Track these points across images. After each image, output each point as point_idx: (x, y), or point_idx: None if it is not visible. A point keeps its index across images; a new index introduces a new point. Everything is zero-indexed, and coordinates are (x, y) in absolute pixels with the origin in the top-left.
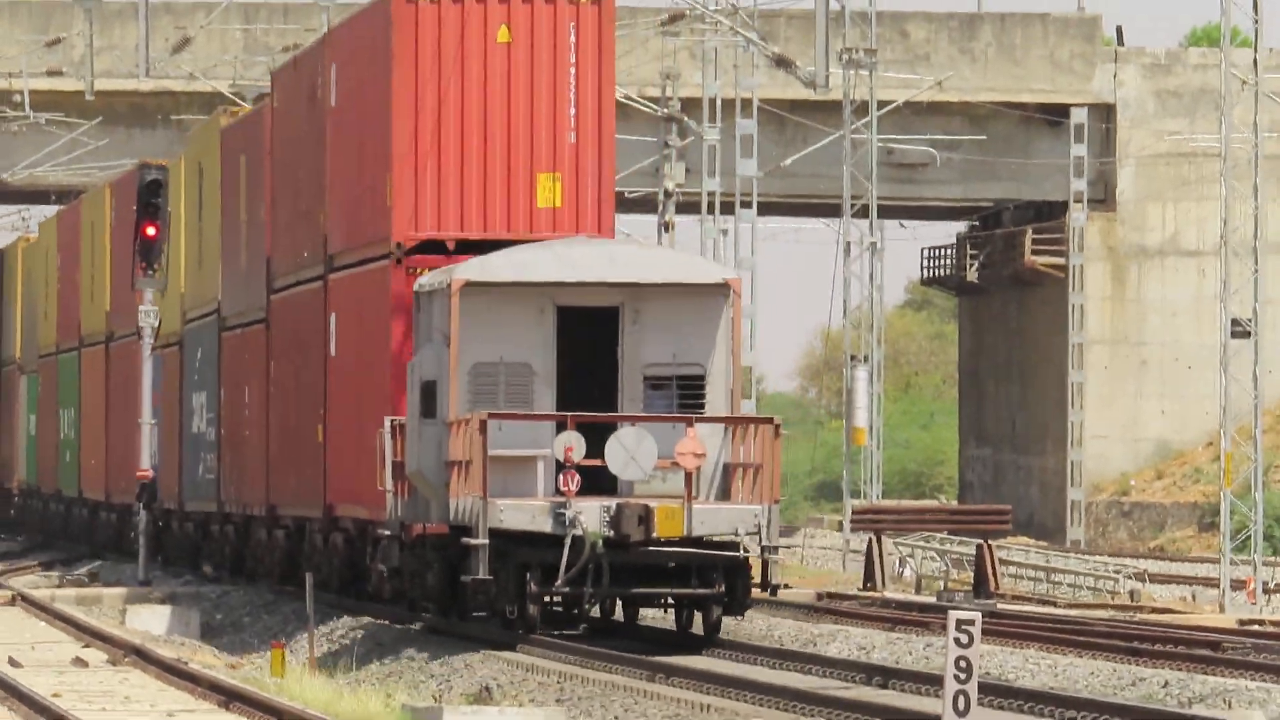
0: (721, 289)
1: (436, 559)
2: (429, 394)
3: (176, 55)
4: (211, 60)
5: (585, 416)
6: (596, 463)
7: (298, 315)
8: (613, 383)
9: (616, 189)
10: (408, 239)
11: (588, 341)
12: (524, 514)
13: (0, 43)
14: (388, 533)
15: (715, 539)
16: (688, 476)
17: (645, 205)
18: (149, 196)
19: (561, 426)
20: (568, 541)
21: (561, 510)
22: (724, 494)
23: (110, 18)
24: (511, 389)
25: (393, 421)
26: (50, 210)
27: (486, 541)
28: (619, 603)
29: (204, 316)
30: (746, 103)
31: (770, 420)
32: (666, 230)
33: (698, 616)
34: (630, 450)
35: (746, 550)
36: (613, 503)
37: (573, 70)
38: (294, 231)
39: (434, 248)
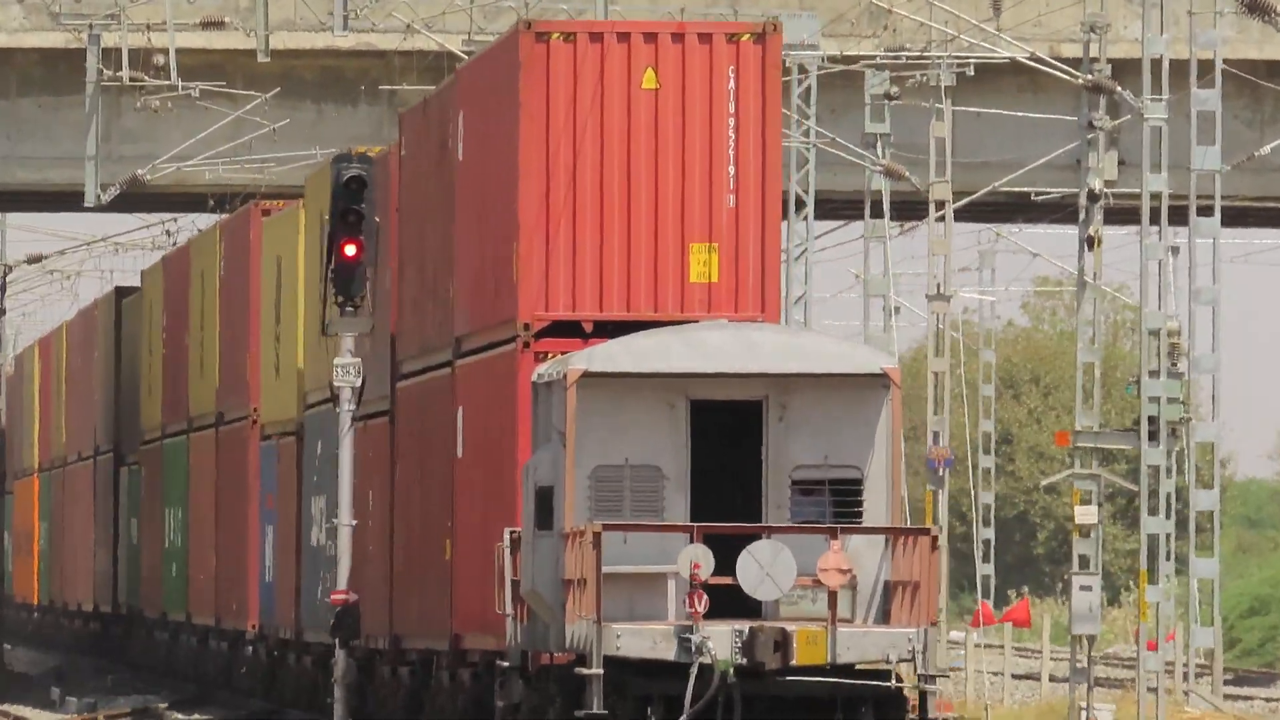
0: (880, 380)
1: (559, 692)
2: (544, 502)
3: (386, 1)
4: (437, 7)
5: (713, 527)
6: (728, 580)
7: (424, 408)
8: (755, 488)
9: (1022, 189)
10: (536, 320)
11: (727, 441)
12: (644, 640)
13: None
14: (507, 664)
15: (865, 668)
16: (831, 596)
17: (1060, 211)
18: (348, 201)
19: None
20: (693, 671)
21: (687, 635)
22: (884, 616)
23: None
24: (638, 496)
25: (512, 534)
26: (205, 220)
27: (600, 671)
28: None
29: (325, 403)
30: (1206, 65)
31: (927, 531)
32: (1090, 247)
33: None
34: (765, 565)
35: (900, 680)
36: (746, 626)
37: (732, 121)
38: (421, 307)
39: (568, 330)
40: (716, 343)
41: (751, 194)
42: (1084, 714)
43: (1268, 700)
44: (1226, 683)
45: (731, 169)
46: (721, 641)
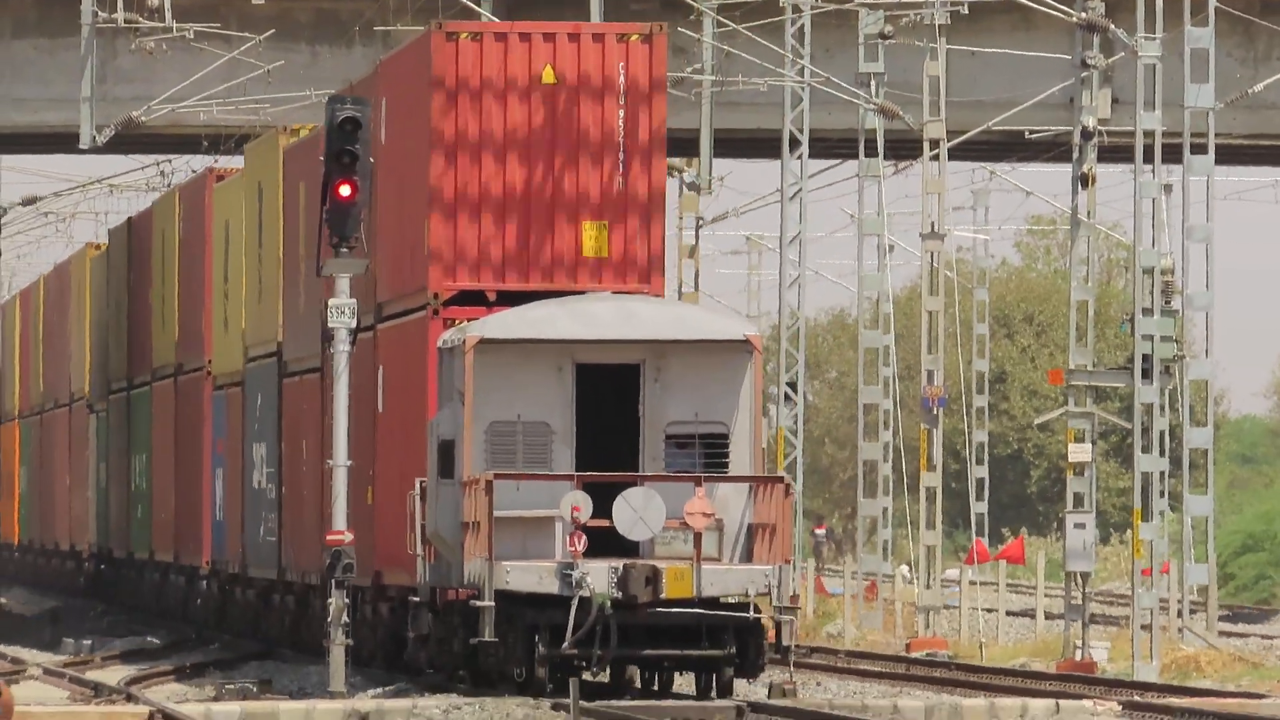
0: (744, 346)
1: (461, 624)
2: (446, 454)
3: None
4: None
5: (592, 476)
6: (605, 523)
7: (352, 366)
8: (634, 442)
9: (1016, 128)
10: (445, 289)
11: (608, 399)
12: (530, 575)
13: None
14: (417, 599)
15: (728, 600)
16: (697, 537)
17: (1054, 150)
18: (342, 141)
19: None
20: (574, 603)
21: (569, 571)
22: (748, 555)
23: None
24: (529, 449)
25: (422, 482)
26: (199, 162)
27: (491, 604)
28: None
29: (265, 357)
30: (1199, 3)
31: (780, 479)
32: (1084, 185)
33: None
34: (639, 510)
35: (758, 611)
36: (620, 564)
37: (621, 113)
38: None
39: (474, 299)
40: (599, 312)
41: (639, 177)
42: (1079, 651)
43: (1263, 637)
44: (1221, 619)
45: (621, 155)
46: (599, 577)
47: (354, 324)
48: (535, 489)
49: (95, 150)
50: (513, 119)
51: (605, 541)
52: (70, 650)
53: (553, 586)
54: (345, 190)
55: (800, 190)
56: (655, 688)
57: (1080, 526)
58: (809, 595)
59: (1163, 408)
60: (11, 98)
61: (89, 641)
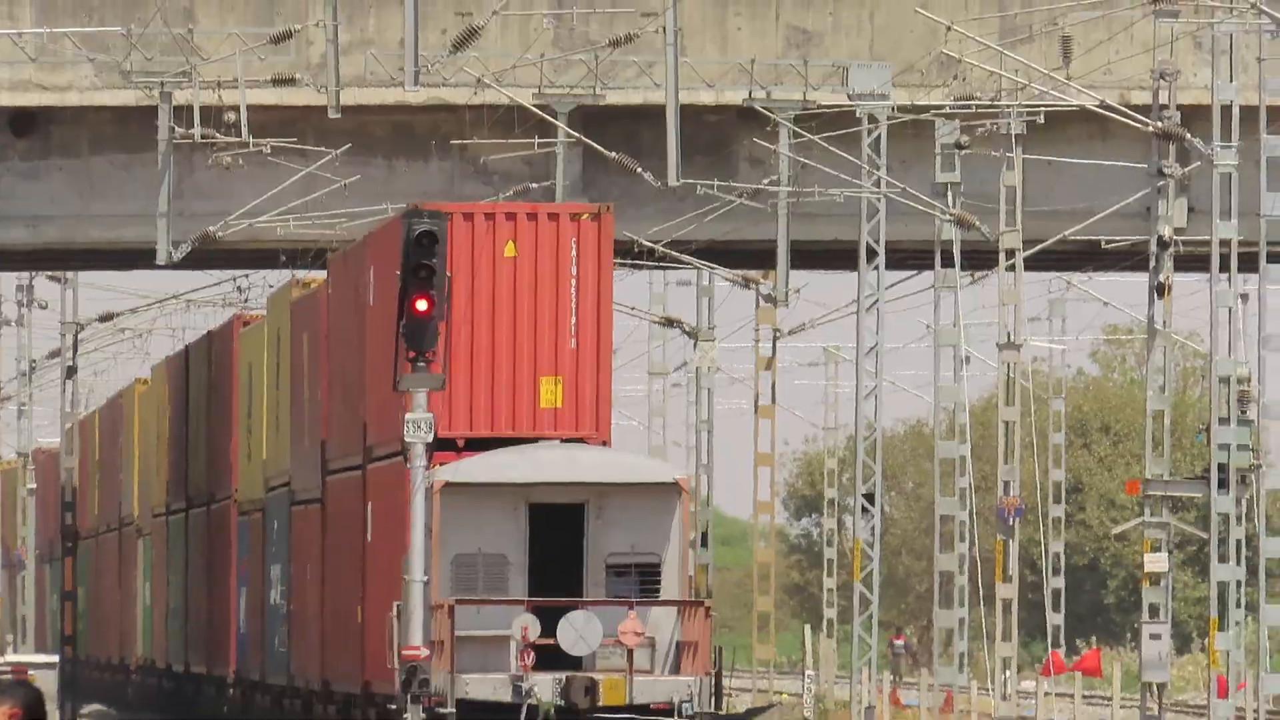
0: (673, 487)
1: None
2: None
3: (459, 54)
4: (507, 61)
5: (540, 601)
6: (551, 642)
7: (345, 499)
8: (579, 571)
9: (1092, 237)
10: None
11: (558, 534)
12: (486, 686)
13: (206, 38)
14: (394, 707)
15: (656, 707)
16: (629, 653)
17: (1131, 259)
18: (420, 256)
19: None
20: (524, 710)
21: (519, 682)
22: (676, 669)
23: (363, 3)
24: (489, 577)
25: (398, 605)
26: (277, 277)
27: (453, 710)
28: None
29: (281, 486)
30: (1276, 111)
31: (701, 603)
32: (1160, 295)
33: None
34: (580, 630)
35: (683, 716)
36: (564, 676)
37: (574, 281)
38: (344, 418)
39: (446, 445)
40: (549, 459)
41: (589, 336)
42: None
43: None
44: None
45: (573, 318)
46: (545, 687)
47: (430, 439)
48: (493, 612)
49: (172, 266)
50: (479, 288)
51: (552, 658)
52: None
53: (506, 695)
54: (422, 305)
55: (877, 301)
56: None
57: (1156, 637)
58: (884, 707)
59: (1239, 517)
60: (89, 214)
61: None
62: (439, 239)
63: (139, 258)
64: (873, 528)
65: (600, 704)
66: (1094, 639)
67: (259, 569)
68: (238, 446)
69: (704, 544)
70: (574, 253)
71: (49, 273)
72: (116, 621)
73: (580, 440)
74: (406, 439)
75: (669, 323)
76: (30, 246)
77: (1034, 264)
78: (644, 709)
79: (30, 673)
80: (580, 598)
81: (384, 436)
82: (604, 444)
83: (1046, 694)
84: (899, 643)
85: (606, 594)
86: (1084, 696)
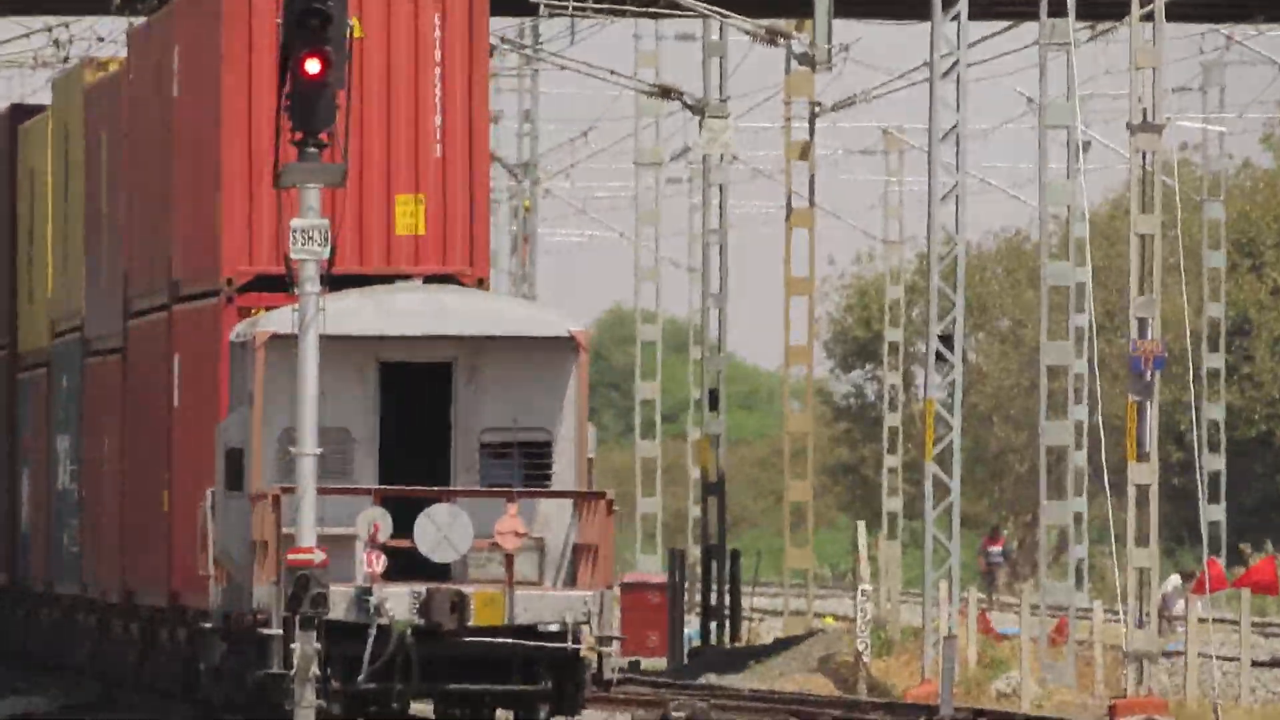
0: (568, 343)
1: (255, 653)
2: (235, 463)
3: None
4: None
5: (392, 490)
6: (406, 543)
7: (149, 350)
8: (446, 449)
9: None
10: (240, 274)
11: (418, 403)
12: None
13: None
14: (208, 625)
15: (546, 628)
16: (508, 559)
17: None
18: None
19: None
20: (371, 631)
21: (366, 596)
22: (572, 579)
23: None
24: (328, 459)
25: (213, 494)
26: (109, 27)
27: (279, 632)
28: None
29: (70, 332)
30: None
31: (602, 495)
32: None
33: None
34: (443, 529)
35: (577, 641)
36: (423, 588)
37: (438, 71)
38: (148, 243)
39: (274, 284)
40: (407, 305)
41: (459, 144)
42: None
43: None
44: None
45: (438, 119)
46: (399, 602)
47: (327, 253)
48: (335, 505)
49: None
50: None
51: (410, 564)
52: None
53: (350, 613)
54: (313, 66)
55: (957, 64)
56: None
57: None
58: (970, 637)
59: None
60: None
61: None
62: None
63: None
64: (952, 384)
65: (470, 624)
66: (1269, 544)
67: (42, 442)
68: (19, 281)
69: (713, 406)
70: (437, 33)
71: None
72: None
73: (450, 279)
74: (293, 254)
75: (664, 93)
76: None
77: (1179, 11)
78: (528, 631)
79: None
80: (445, 486)
81: (193, 269)
82: (480, 284)
83: (1201, 620)
84: (994, 549)
85: (482, 481)
86: (1254, 625)
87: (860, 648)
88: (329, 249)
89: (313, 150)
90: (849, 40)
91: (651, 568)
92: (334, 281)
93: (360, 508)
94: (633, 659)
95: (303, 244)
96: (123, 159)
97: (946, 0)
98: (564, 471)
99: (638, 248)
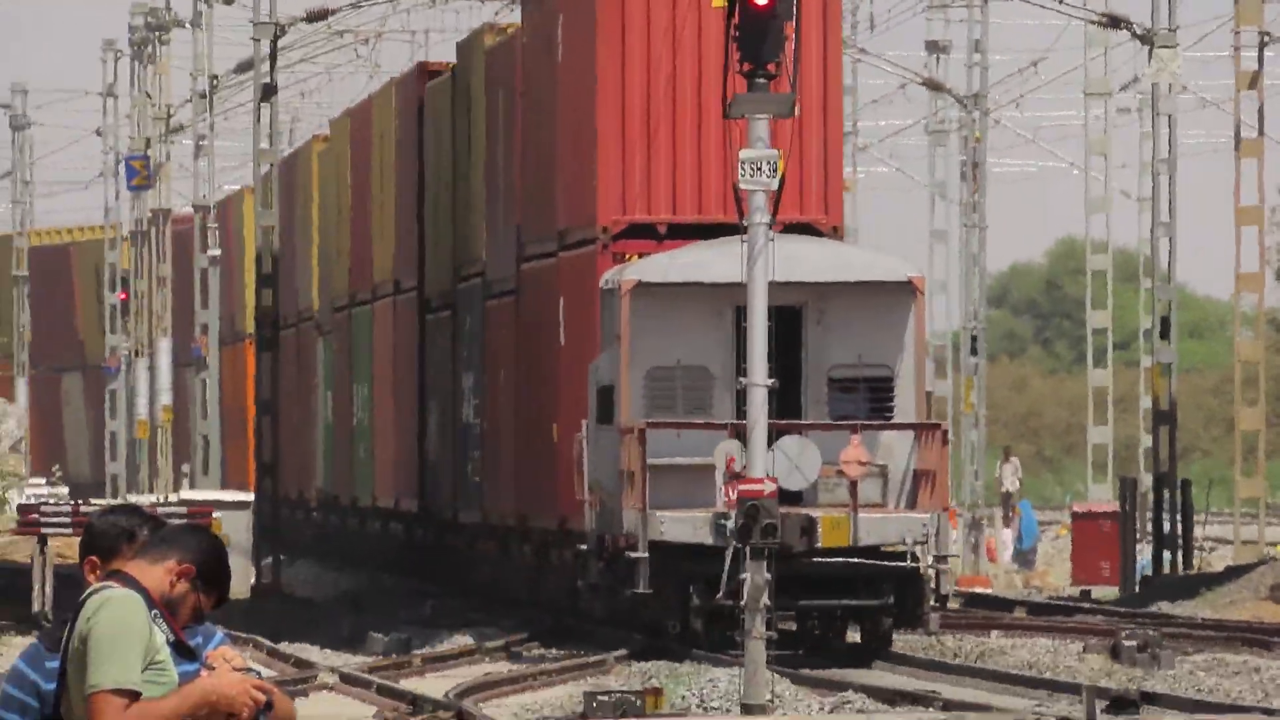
0: (907, 287)
1: (628, 573)
2: (605, 399)
3: None
4: None
5: (745, 424)
6: None
7: (540, 292)
8: (797, 386)
9: None
10: (614, 223)
11: (772, 343)
12: (685, 526)
13: None
14: (585, 547)
15: (889, 549)
16: (852, 485)
17: None
18: None
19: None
20: (729, 553)
21: (723, 521)
22: (913, 502)
23: None
24: (689, 394)
25: (587, 426)
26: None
27: (645, 555)
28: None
29: (473, 277)
30: None
31: (938, 426)
32: None
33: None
34: (794, 459)
35: (916, 560)
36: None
37: (793, 33)
38: (538, 194)
39: (645, 231)
40: None
41: (814, 101)
42: None
43: None
44: None
45: (794, 75)
46: None
47: (775, 185)
48: (697, 436)
49: None
50: (683, 46)
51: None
52: (380, 648)
53: (707, 537)
54: None
55: None
56: (827, 635)
57: None
58: None
59: None
60: None
61: (405, 636)
62: None
63: None
64: None
65: (819, 545)
66: None
67: (447, 379)
68: (425, 227)
69: (1164, 335)
70: None
71: None
72: (296, 447)
73: (807, 226)
74: (743, 184)
75: (1114, 22)
76: None
77: None
78: (873, 551)
79: (215, 515)
80: (797, 419)
81: (575, 219)
82: (835, 231)
83: None
84: None
85: (829, 414)
86: None
87: None
88: (778, 180)
89: (761, 80)
90: None
91: (1103, 496)
92: (701, 230)
93: (718, 440)
94: (1084, 587)
95: (751, 175)
96: (516, 118)
97: None
98: (904, 405)
99: (1087, 178)
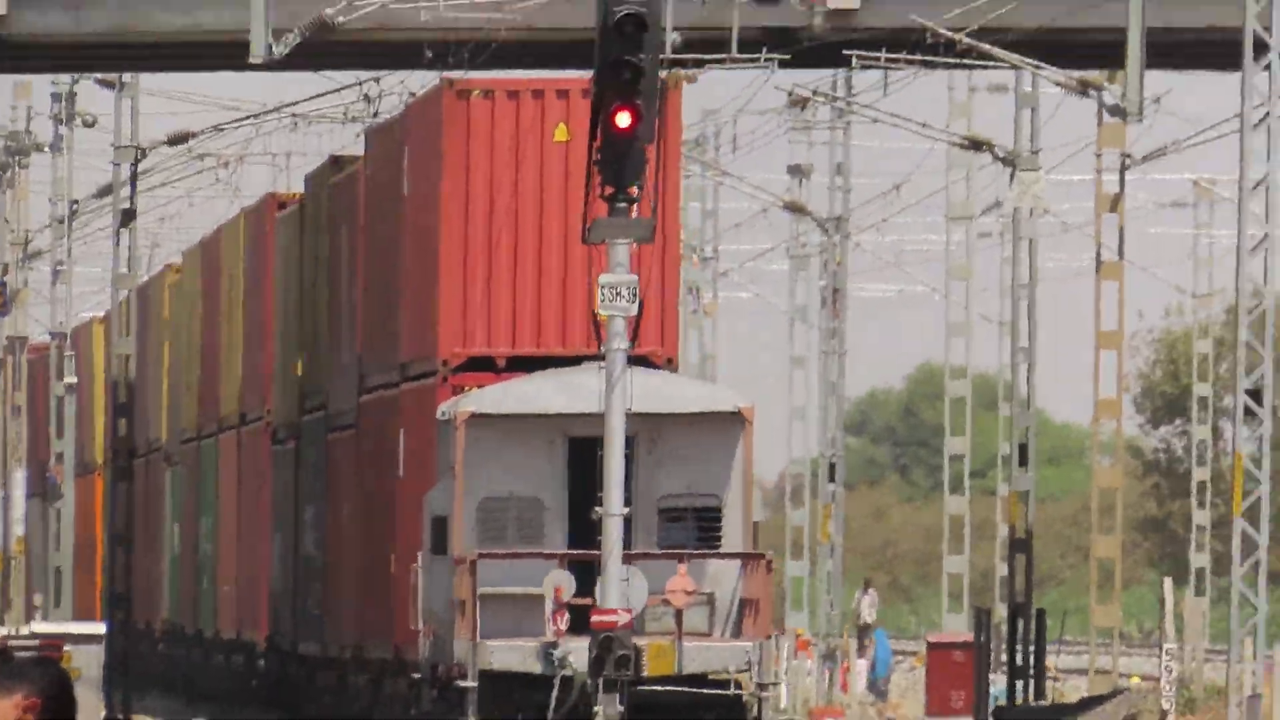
0: (736, 418)
1: (459, 703)
2: (440, 530)
3: None
4: None
5: (575, 555)
6: (588, 601)
7: (381, 423)
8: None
9: None
10: (454, 356)
11: (599, 473)
12: (514, 655)
13: None
14: (418, 675)
15: (714, 677)
16: (678, 614)
17: None
18: (622, 48)
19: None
20: (556, 682)
21: (551, 650)
22: (738, 631)
23: None
24: (522, 525)
25: (422, 554)
26: (419, 81)
27: (475, 684)
28: None
29: (317, 410)
30: None
31: (762, 556)
32: None
33: None
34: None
35: (739, 688)
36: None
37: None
38: (380, 326)
39: (484, 364)
40: (591, 385)
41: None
42: None
43: None
44: None
45: (634, 214)
46: (581, 655)
47: (634, 310)
48: (528, 566)
49: (272, 66)
50: (525, 179)
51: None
52: None
53: (536, 666)
54: (624, 120)
55: (1268, 116)
56: None
57: None
58: (1276, 696)
59: None
60: None
61: None
62: (648, 27)
63: (225, 54)
64: (1260, 438)
65: (644, 674)
66: None
67: (290, 511)
68: (273, 358)
69: (1022, 463)
70: None
71: (98, 75)
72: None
73: (643, 359)
74: (602, 309)
75: (976, 145)
76: (73, 39)
77: None
78: (699, 679)
79: (66, 649)
80: (627, 549)
81: (417, 352)
82: (669, 363)
83: None
84: None
85: (659, 543)
86: None
87: (1165, 706)
88: (637, 305)
89: (622, 205)
90: (1160, 92)
91: (958, 626)
92: (541, 362)
93: (549, 570)
94: (938, 718)
95: (610, 300)
96: (360, 250)
97: (1258, 50)
98: (732, 534)
99: (948, 302)
